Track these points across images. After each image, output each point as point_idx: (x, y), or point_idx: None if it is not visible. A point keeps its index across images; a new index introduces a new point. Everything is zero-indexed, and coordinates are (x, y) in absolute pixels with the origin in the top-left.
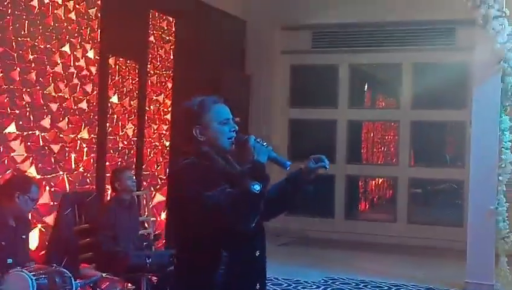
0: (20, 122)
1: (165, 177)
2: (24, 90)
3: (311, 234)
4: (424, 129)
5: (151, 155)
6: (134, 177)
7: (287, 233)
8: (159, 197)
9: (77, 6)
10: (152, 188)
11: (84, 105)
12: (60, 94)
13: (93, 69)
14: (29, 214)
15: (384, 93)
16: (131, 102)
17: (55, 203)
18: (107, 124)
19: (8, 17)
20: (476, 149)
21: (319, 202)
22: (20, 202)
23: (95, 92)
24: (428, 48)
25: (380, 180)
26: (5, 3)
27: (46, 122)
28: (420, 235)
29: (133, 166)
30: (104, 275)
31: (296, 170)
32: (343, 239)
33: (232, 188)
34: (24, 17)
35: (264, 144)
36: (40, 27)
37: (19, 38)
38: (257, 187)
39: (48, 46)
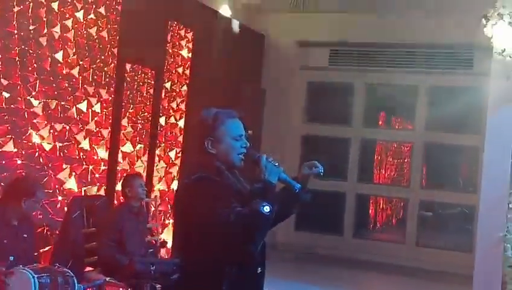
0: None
1: (174, 189)
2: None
3: (319, 251)
4: (437, 152)
5: (162, 167)
6: (144, 185)
7: (294, 249)
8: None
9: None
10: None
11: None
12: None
13: (109, 79)
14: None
15: (399, 113)
16: (144, 111)
17: None
18: (121, 133)
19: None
20: (488, 175)
21: (328, 218)
22: (26, 206)
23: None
24: (446, 71)
25: (391, 201)
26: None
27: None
28: (428, 258)
29: (144, 175)
30: (107, 279)
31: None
32: (350, 257)
33: (241, 205)
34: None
35: (276, 164)
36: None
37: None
38: (267, 208)
39: (68, 60)
